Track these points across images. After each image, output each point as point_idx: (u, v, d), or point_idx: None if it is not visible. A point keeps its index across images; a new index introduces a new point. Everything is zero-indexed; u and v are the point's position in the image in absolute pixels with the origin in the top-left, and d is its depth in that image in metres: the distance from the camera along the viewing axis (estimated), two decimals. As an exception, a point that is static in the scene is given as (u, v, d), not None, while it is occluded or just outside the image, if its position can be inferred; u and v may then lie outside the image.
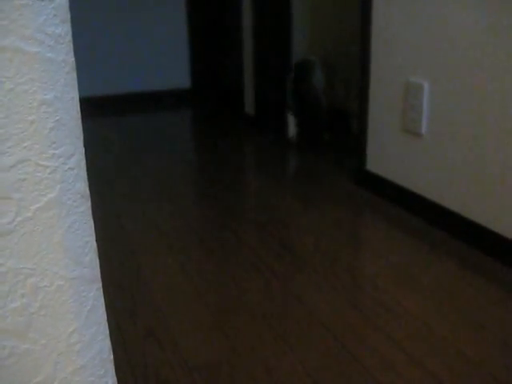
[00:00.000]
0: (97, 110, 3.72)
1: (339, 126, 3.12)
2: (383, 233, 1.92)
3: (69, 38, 0.46)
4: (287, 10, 3.10)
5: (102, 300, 0.52)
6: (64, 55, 0.45)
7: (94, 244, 0.51)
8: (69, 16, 0.45)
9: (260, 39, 3.12)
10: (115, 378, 0.55)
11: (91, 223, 0.50)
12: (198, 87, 4.12)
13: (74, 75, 0.46)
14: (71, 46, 0.46)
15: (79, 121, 0.48)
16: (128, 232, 1.96)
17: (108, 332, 0.54)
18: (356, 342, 1.33)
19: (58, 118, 0.45)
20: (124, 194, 2.34)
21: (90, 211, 0.49)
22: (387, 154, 2.15)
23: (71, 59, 0.46)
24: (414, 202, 2.01)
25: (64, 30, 0.45)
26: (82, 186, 0.48)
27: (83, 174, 0.48)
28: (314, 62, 2.97)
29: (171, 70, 4.03)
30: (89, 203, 0.49)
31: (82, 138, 0.48)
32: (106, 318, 0.53)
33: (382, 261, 1.72)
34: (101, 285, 0.52)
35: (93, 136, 3.24)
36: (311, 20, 3.17)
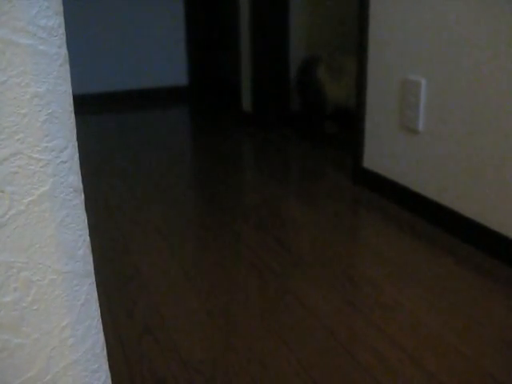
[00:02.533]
0: (93, 107, 3.72)
1: (340, 123, 3.13)
2: (380, 230, 1.92)
3: (62, 30, 0.45)
4: (285, 6, 3.10)
5: (95, 294, 0.52)
6: (57, 48, 0.45)
7: (87, 238, 0.51)
8: (62, 8, 0.45)
9: (258, 36, 3.11)
10: (109, 373, 0.55)
11: (84, 217, 0.50)
12: (196, 84, 4.12)
13: (67, 68, 0.46)
14: (64, 38, 0.46)
15: (72, 114, 0.47)
16: (124, 230, 1.96)
17: (101, 327, 0.54)
18: (353, 339, 1.33)
19: (50, 110, 0.45)
20: (120, 191, 2.34)
21: (83, 205, 0.49)
22: (384, 151, 2.15)
23: (64, 52, 0.46)
24: (411, 199, 2.01)
25: (57, 22, 0.45)
26: (75, 179, 0.48)
27: (76, 167, 0.48)
28: (319, 58, 2.97)
29: (168, 67, 4.03)
30: (82, 197, 0.49)
31: (74, 131, 0.48)
32: (99, 312, 0.53)
33: (379, 258, 1.72)
34: (94, 279, 0.52)
35: (89, 133, 3.23)
36: (310, 17, 3.16)
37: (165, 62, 4.00)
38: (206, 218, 2.08)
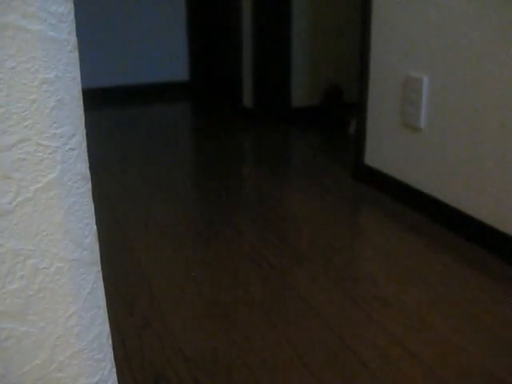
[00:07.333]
0: (94, 102, 3.71)
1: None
2: (381, 227, 1.92)
3: (71, 16, 0.45)
4: (287, 2, 3.09)
5: (101, 283, 0.52)
6: (66, 34, 0.44)
7: (94, 226, 0.50)
8: (71, -6, 0.45)
9: (259, 32, 3.11)
10: (114, 363, 0.55)
11: (91, 205, 0.49)
12: (197, 80, 4.11)
13: (76, 55, 0.46)
14: (74, 25, 0.45)
15: (81, 101, 0.47)
16: (125, 225, 1.96)
17: (107, 316, 0.54)
18: (353, 335, 1.33)
19: (59, 97, 0.44)
20: (121, 186, 2.33)
21: (90, 193, 0.49)
22: (386, 149, 2.14)
23: (73, 38, 0.45)
24: (413, 196, 2.01)
25: (67, 8, 0.44)
26: (83, 167, 0.47)
27: (84, 154, 0.48)
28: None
29: (169, 62, 4.02)
30: (89, 185, 0.49)
31: (83, 118, 0.48)
32: (105, 301, 0.53)
33: (380, 255, 1.72)
34: (100, 268, 0.52)
35: (90, 128, 3.22)
36: (311, 11, 3.16)
37: (166, 58, 3.99)
38: (206, 214, 2.08)
